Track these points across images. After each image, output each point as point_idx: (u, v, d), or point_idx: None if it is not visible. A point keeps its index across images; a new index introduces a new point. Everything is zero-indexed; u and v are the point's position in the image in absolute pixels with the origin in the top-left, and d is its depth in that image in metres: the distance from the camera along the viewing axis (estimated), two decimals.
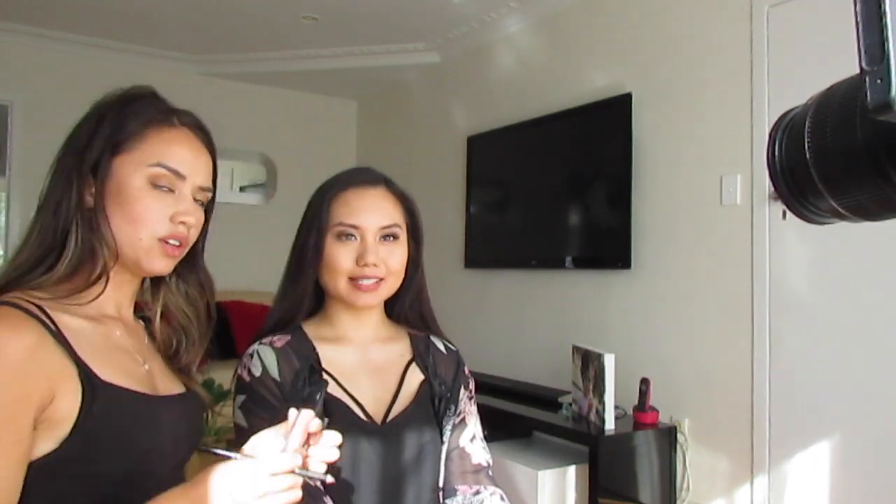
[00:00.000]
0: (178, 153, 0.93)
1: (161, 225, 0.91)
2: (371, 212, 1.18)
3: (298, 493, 0.77)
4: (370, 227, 1.17)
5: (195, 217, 0.95)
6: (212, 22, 4.04)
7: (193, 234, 0.96)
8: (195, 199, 0.96)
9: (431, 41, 4.27)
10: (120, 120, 0.92)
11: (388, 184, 1.24)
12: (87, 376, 0.82)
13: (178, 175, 0.93)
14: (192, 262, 1.03)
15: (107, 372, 0.85)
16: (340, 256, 1.15)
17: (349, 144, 5.34)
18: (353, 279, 1.16)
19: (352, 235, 1.16)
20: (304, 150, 5.06)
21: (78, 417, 0.80)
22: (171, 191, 0.93)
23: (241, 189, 6.17)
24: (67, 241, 0.89)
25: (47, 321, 0.83)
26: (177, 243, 0.93)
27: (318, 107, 5.22)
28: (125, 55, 4.40)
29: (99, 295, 0.90)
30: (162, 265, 0.94)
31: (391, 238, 1.19)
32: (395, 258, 1.18)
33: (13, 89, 4.20)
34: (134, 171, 0.91)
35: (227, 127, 5.02)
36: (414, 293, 1.27)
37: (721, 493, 2.67)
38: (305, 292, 1.20)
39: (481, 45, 4.04)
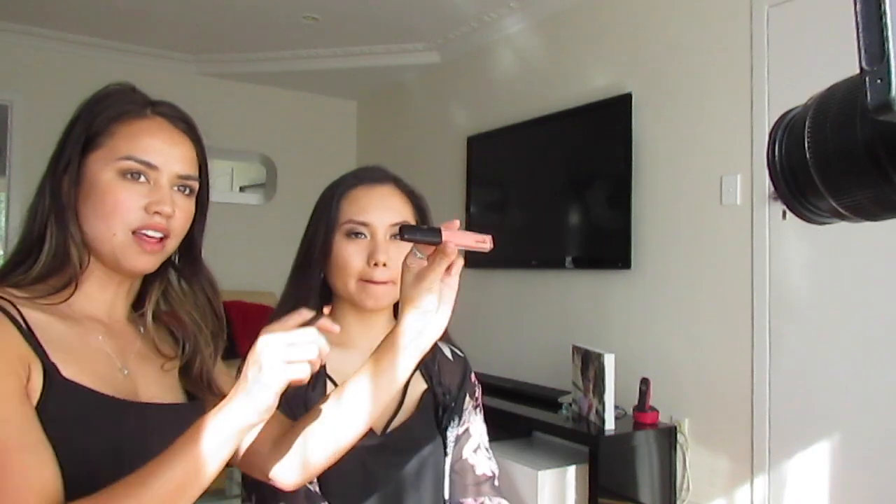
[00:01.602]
0: (149, 143, 0.90)
1: (133, 215, 0.88)
2: (380, 209, 1.14)
3: (313, 350, 0.76)
4: (380, 224, 1.13)
5: (174, 207, 0.90)
6: (212, 22, 4.04)
7: (177, 226, 0.92)
8: (178, 189, 0.93)
9: (431, 41, 4.27)
10: (91, 118, 0.91)
11: (397, 181, 1.21)
12: (48, 370, 0.81)
13: (150, 166, 0.90)
14: (191, 258, 1.00)
15: (72, 370, 0.83)
16: (351, 255, 1.12)
17: (349, 144, 5.34)
18: (363, 280, 1.12)
19: (361, 233, 1.13)
20: (304, 150, 5.06)
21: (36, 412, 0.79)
22: (147, 182, 0.90)
23: (241, 189, 6.17)
24: (43, 243, 0.88)
25: (16, 315, 0.82)
26: (157, 235, 0.90)
27: (318, 107, 5.22)
28: (125, 55, 4.40)
29: (71, 295, 0.88)
30: (143, 262, 0.90)
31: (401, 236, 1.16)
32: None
33: (13, 89, 4.20)
34: (104, 166, 0.89)
35: (227, 127, 5.02)
36: None
37: (721, 493, 2.67)
38: (311, 292, 1.17)
39: (481, 45, 4.04)
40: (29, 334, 0.82)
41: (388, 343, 0.89)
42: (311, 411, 0.91)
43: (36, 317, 0.84)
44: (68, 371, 0.83)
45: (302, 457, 0.90)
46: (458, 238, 0.87)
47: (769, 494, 2.51)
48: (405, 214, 1.18)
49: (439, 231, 0.84)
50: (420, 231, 0.87)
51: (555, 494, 2.61)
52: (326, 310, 0.84)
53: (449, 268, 0.88)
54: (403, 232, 0.86)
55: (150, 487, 0.74)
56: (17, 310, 0.83)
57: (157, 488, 0.74)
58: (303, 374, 0.75)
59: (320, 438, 0.89)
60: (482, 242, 0.89)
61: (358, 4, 3.75)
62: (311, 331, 0.77)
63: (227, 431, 0.76)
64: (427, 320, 0.88)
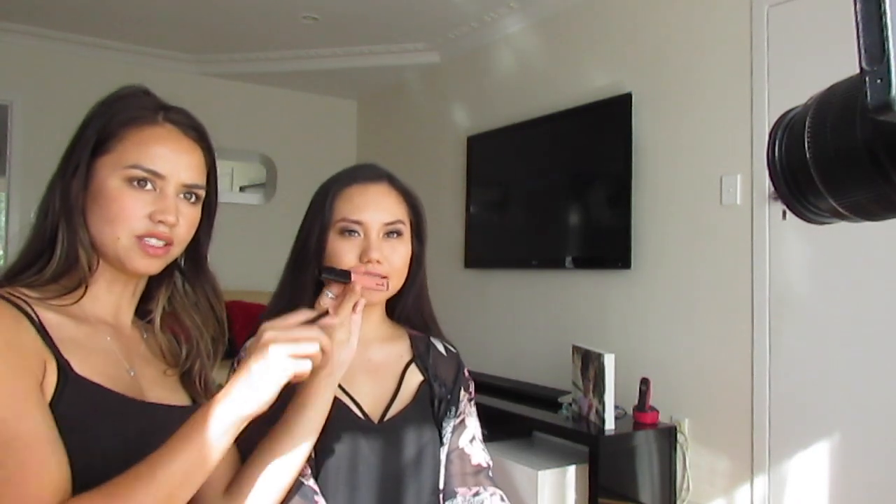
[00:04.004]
0: (158, 152, 0.91)
1: (138, 223, 0.89)
2: (374, 208, 1.15)
3: (316, 346, 0.84)
4: (373, 223, 1.14)
5: (177, 216, 0.91)
6: (212, 22, 4.04)
7: (182, 234, 0.93)
8: (183, 197, 0.93)
9: (431, 41, 4.27)
10: (103, 122, 0.91)
11: (392, 180, 1.21)
12: (62, 367, 0.82)
13: (156, 174, 0.90)
14: (196, 262, 1.01)
15: (83, 368, 0.84)
16: (344, 253, 1.13)
17: (349, 144, 5.34)
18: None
19: (355, 232, 1.14)
20: (304, 150, 5.06)
21: (49, 407, 0.80)
22: (153, 189, 0.91)
23: (241, 189, 6.17)
24: (55, 244, 0.89)
25: (32, 314, 0.84)
26: (160, 243, 0.91)
27: (318, 107, 5.22)
28: (125, 55, 4.40)
29: (81, 296, 0.89)
30: (146, 264, 0.91)
31: (395, 235, 1.16)
32: (398, 255, 1.15)
33: (13, 89, 4.20)
34: (111, 172, 0.89)
35: (227, 127, 5.02)
36: (416, 292, 1.25)
37: (721, 493, 2.67)
38: (305, 289, 1.17)
39: (481, 45, 4.05)
40: (43, 332, 0.83)
41: (309, 376, 1.00)
42: (252, 456, 0.99)
43: (49, 317, 0.85)
44: (80, 369, 0.84)
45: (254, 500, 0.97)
46: (363, 280, 1.07)
47: (769, 494, 2.51)
48: (399, 213, 1.18)
49: (349, 273, 1.05)
50: (334, 272, 1.07)
51: (555, 494, 2.61)
52: (331, 310, 0.95)
53: (354, 306, 1.03)
54: (321, 271, 1.07)
55: (157, 477, 0.77)
56: (32, 309, 0.84)
57: (164, 478, 0.77)
58: (305, 369, 0.83)
59: (266, 481, 0.97)
60: (380, 285, 1.10)
61: (358, 4, 3.75)
62: (314, 329, 0.84)
63: (229, 420, 0.80)
64: (341, 351, 1.01)
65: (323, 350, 0.85)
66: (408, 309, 1.26)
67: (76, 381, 0.83)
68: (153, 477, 0.77)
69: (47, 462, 0.76)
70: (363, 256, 1.12)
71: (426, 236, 1.24)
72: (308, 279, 1.17)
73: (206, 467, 0.80)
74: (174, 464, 0.78)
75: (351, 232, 1.14)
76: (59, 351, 0.83)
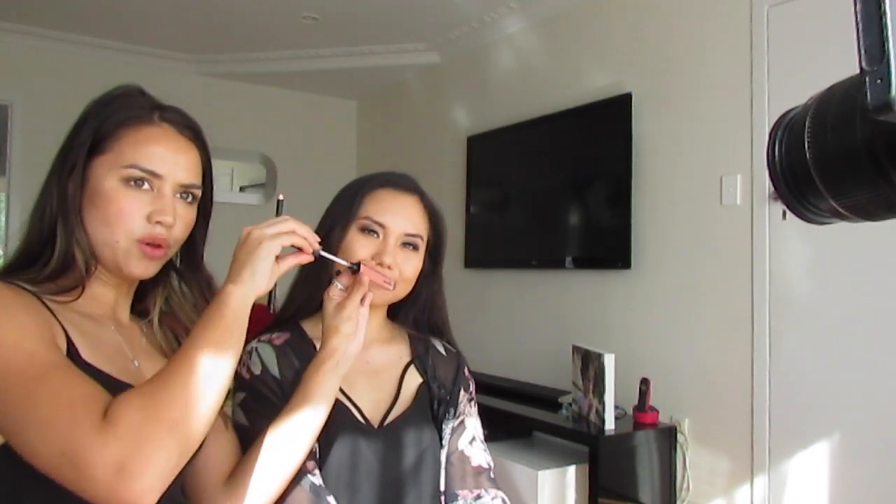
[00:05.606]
0: (155, 152, 0.91)
1: (138, 225, 0.89)
2: (400, 215, 1.17)
3: (290, 223, 0.92)
4: (395, 229, 1.16)
5: (175, 216, 0.92)
6: (212, 22, 4.04)
7: (178, 233, 0.94)
8: (180, 197, 0.94)
9: (431, 41, 4.27)
10: (98, 122, 0.91)
11: (423, 196, 1.24)
12: (71, 350, 0.83)
13: (154, 174, 0.90)
14: (193, 263, 1.02)
15: (90, 355, 0.85)
16: (359, 248, 1.14)
17: (349, 144, 5.34)
18: None
19: (375, 232, 1.16)
20: (304, 150, 5.06)
21: None
22: (150, 189, 0.91)
23: (241, 189, 6.17)
24: (53, 244, 0.89)
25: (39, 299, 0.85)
26: (158, 244, 0.91)
27: (318, 107, 5.22)
28: (125, 55, 4.40)
29: (79, 296, 0.89)
30: (141, 268, 0.91)
31: (411, 247, 1.18)
32: (410, 266, 1.17)
33: (13, 89, 4.19)
34: (108, 172, 0.89)
35: (227, 127, 5.00)
36: (421, 305, 1.27)
37: (721, 493, 2.67)
38: (321, 283, 1.14)
39: (481, 45, 4.04)
40: (53, 315, 0.84)
41: (314, 367, 1.02)
42: (254, 447, 0.99)
43: (54, 306, 0.86)
44: (87, 356, 0.84)
45: (251, 495, 0.98)
46: (372, 273, 1.07)
47: (769, 494, 2.51)
48: (421, 228, 1.20)
49: (359, 264, 1.06)
50: (346, 261, 1.08)
51: (555, 494, 2.61)
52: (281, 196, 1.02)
53: (362, 299, 1.04)
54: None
55: (190, 365, 0.78)
56: (38, 298, 0.85)
57: (195, 365, 0.78)
58: (289, 241, 0.90)
59: (267, 472, 0.98)
60: (387, 283, 1.10)
61: (358, 4, 3.75)
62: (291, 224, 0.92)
63: (240, 298, 0.85)
64: (348, 344, 1.02)
65: (305, 238, 0.93)
66: (410, 318, 1.28)
67: (85, 368, 0.83)
68: (186, 365, 0.78)
69: (84, 378, 0.77)
70: (376, 258, 1.13)
71: (443, 258, 1.26)
72: (326, 273, 1.17)
73: (232, 351, 0.82)
74: (202, 350, 0.79)
75: (371, 231, 1.16)
76: (68, 335, 0.84)
